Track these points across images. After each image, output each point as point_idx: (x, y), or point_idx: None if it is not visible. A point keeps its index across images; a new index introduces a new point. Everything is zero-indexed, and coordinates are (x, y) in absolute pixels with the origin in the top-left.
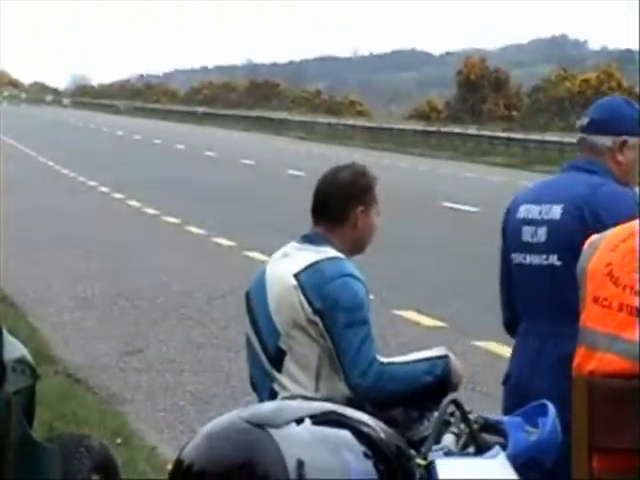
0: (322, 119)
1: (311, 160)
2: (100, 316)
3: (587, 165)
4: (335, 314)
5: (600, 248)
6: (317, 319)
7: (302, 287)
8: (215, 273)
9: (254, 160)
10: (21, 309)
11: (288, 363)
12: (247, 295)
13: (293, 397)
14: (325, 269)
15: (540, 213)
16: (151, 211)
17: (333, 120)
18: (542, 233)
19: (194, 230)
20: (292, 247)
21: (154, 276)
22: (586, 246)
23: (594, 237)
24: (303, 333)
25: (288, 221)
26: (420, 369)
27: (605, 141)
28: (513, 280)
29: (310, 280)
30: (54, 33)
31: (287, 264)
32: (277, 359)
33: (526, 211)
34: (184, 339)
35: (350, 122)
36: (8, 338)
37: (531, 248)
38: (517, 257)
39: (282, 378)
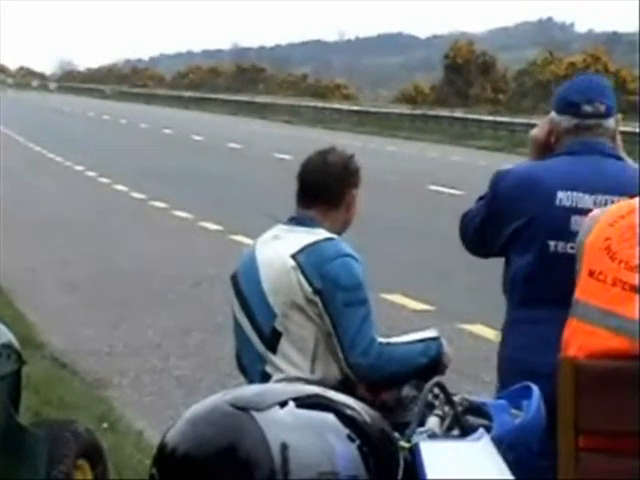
0: (308, 103)
1: (297, 144)
2: (86, 300)
3: (610, 150)
4: (335, 293)
5: (600, 222)
6: (316, 299)
7: (301, 267)
8: (201, 257)
9: (241, 144)
10: (7, 294)
11: (284, 344)
12: (234, 278)
13: (286, 379)
14: (323, 249)
15: (595, 203)
16: (138, 195)
17: (319, 104)
18: None
19: (181, 214)
20: (281, 229)
21: (140, 260)
22: (587, 219)
23: (596, 211)
24: (301, 313)
25: (275, 205)
26: (416, 350)
27: (612, 122)
28: (543, 266)
29: (309, 260)
30: (40, 18)
31: (280, 246)
32: (272, 341)
33: (573, 199)
34: (170, 323)
35: (336, 106)
36: None
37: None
38: (561, 246)
39: (277, 360)
